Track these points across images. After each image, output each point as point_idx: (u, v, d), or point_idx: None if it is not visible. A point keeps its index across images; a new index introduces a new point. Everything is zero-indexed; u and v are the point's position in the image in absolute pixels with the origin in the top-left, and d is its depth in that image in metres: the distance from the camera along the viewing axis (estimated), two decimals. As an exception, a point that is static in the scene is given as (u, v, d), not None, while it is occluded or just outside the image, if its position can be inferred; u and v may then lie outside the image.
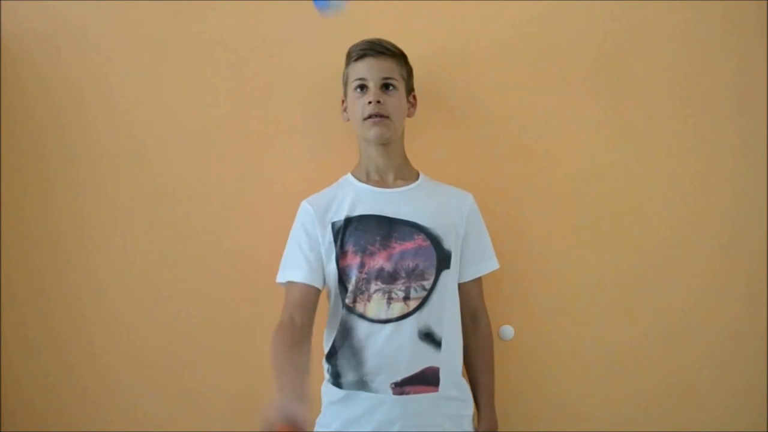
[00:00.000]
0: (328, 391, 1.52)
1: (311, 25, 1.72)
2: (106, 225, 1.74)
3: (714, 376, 1.72)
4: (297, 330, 1.43)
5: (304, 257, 1.50)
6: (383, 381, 1.45)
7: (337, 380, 1.49)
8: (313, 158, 1.73)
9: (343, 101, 1.60)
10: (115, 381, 1.73)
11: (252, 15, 1.73)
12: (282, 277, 1.53)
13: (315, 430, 1.53)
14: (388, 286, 1.46)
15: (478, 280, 1.59)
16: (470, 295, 1.57)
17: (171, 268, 1.74)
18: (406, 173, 1.58)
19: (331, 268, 1.50)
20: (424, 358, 1.46)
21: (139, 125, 1.75)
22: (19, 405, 1.73)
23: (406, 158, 1.60)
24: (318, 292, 1.51)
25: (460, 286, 1.56)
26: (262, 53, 1.74)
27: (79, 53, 1.75)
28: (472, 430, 1.53)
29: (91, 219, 1.74)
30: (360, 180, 1.57)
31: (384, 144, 1.53)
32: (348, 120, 1.58)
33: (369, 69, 1.52)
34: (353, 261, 1.48)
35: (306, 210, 1.54)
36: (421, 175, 1.60)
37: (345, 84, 1.58)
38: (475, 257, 1.57)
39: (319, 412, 1.53)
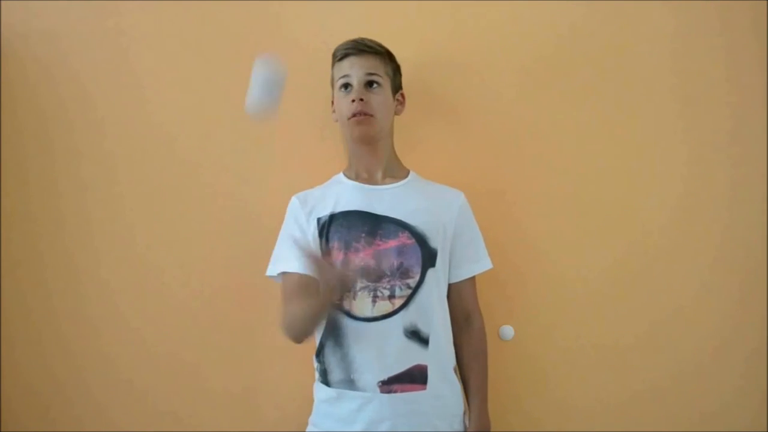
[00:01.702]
0: (318, 389, 1.53)
1: (308, 25, 1.73)
2: (111, 222, 1.75)
3: (714, 374, 1.71)
4: None
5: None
6: (370, 379, 1.44)
7: (325, 378, 1.49)
8: (317, 158, 1.73)
9: (333, 102, 1.60)
10: (121, 380, 1.74)
11: (252, 15, 1.74)
12: (273, 269, 1.54)
13: (307, 430, 1.54)
14: (373, 284, 1.46)
15: (471, 280, 1.58)
16: (462, 296, 1.56)
17: (175, 265, 1.75)
18: (395, 171, 1.58)
19: None
20: (412, 356, 1.46)
21: (140, 124, 1.76)
22: (22, 403, 1.74)
23: (395, 156, 1.60)
24: (315, 281, 1.48)
25: (452, 286, 1.55)
26: (254, 54, 1.74)
27: (83, 53, 1.76)
28: (463, 429, 1.52)
29: (97, 216, 1.75)
30: (350, 178, 1.57)
31: (370, 143, 1.53)
32: (337, 120, 1.58)
33: (352, 67, 1.52)
34: (337, 257, 1.48)
35: (294, 205, 1.56)
36: (411, 173, 1.59)
37: (332, 84, 1.58)
38: (467, 257, 1.55)
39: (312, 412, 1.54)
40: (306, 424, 1.55)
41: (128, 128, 1.76)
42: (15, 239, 1.75)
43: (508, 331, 1.71)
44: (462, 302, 1.56)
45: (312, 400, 1.55)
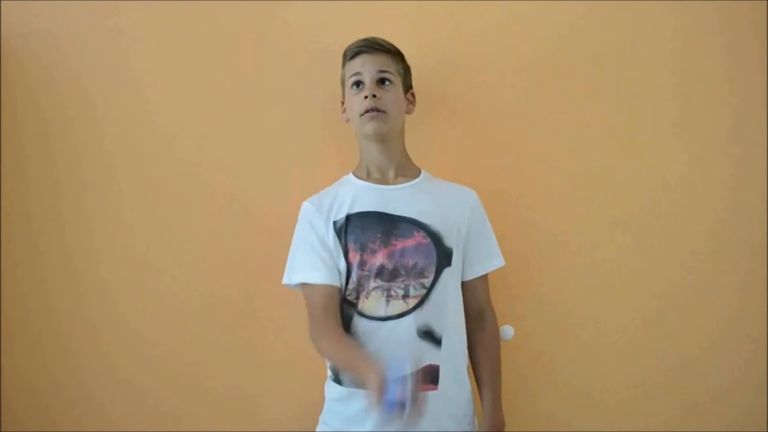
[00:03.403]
0: (329, 388, 1.53)
1: (312, 25, 1.73)
2: (111, 222, 1.74)
3: (716, 368, 1.73)
4: (338, 325, 1.47)
5: (319, 257, 1.49)
6: None
7: (337, 377, 1.49)
8: (309, 160, 1.73)
9: (342, 102, 1.60)
10: (120, 380, 1.73)
11: (252, 15, 1.73)
12: (296, 278, 1.51)
13: (318, 429, 1.54)
14: (387, 283, 1.46)
15: (484, 278, 1.58)
16: (476, 293, 1.56)
17: (175, 265, 1.74)
18: (406, 170, 1.58)
19: (342, 266, 1.49)
20: (424, 356, 1.45)
21: (140, 124, 1.75)
22: (22, 403, 1.73)
23: (406, 155, 1.60)
24: (339, 290, 1.50)
25: (466, 284, 1.55)
26: (257, 55, 1.74)
27: (83, 53, 1.75)
28: (473, 429, 1.53)
29: (96, 216, 1.74)
30: (360, 178, 1.56)
31: (383, 140, 1.53)
32: (348, 120, 1.58)
33: (364, 64, 1.52)
34: (354, 259, 1.48)
35: (309, 209, 1.53)
36: (423, 172, 1.59)
37: (342, 84, 1.58)
38: (480, 255, 1.56)
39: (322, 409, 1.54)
40: (307, 425, 1.55)
41: (128, 128, 1.75)
42: (15, 239, 1.74)
43: (508, 330, 1.71)
44: (476, 299, 1.56)
45: (312, 401, 1.55)
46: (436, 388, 1.45)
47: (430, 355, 1.46)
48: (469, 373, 1.55)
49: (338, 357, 1.45)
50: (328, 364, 1.52)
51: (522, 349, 1.71)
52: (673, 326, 1.73)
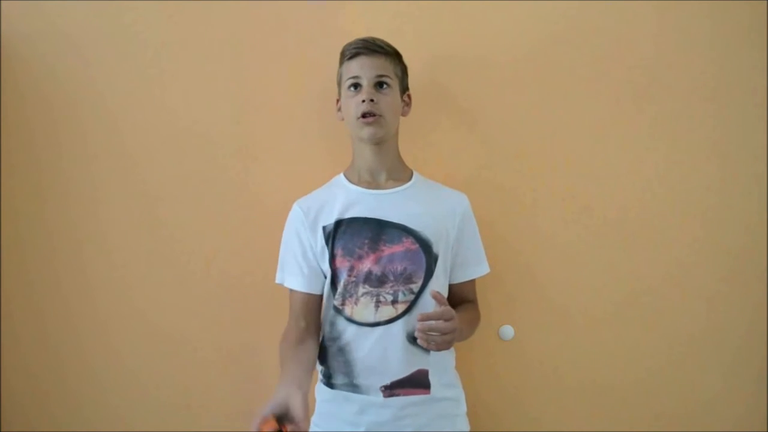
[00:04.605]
0: (320, 391, 1.53)
1: (308, 25, 1.72)
2: (100, 227, 1.74)
3: (717, 370, 1.73)
4: (302, 331, 1.49)
5: (298, 265, 1.51)
6: (373, 384, 1.45)
7: (329, 381, 1.50)
8: (308, 159, 1.73)
9: (337, 101, 1.58)
10: (104, 388, 1.74)
11: (248, 15, 1.72)
12: (280, 279, 1.55)
13: (310, 430, 1.53)
14: (376, 289, 1.46)
15: (471, 282, 1.58)
16: (463, 295, 1.57)
17: (167, 270, 1.74)
18: (399, 174, 1.56)
19: (326, 269, 1.50)
20: (414, 361, 1.46)
21: (134, 126, 1.75)
22: (23, 402, 1.75)
23: (399, 158, 1.59)
24: (319, 297, 1.52)
25: (453, 286, 1.55)
26: (257, 54, 1.73)
27: (75, 55, 1.74)
28: (467, 428, 1.54)
29: (85, 221, 1.75)
30: (351, 181, 1.55)
31: (378, 143, 1.52)
32: (342, 119, 1.56)
33: (362, 67, 1.50)
34: (342, 264, 1.47)
35: (297, 214, 1.53)
36: (415, 175, 1.58)
37: (339, 83, 1.57)
38: (469, 261, 1.56)
39: (313, 412, 1.54)
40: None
41: (126, 130, 1.75)
42: (24, 236, 1.74)
43: (508, 330, 1.72)
44: (463, 298, 1.57)
45: (309, 402, 1.54)
46: (429, 392, 1.47)
47: (419, 360, 1.47)
48: (457, 372, 1.56)
49: (281, 361, 1.44)
50: (318, 367, 1.53)
51: (522, 349, 1.72)
52: (673, 325, 1.72)
